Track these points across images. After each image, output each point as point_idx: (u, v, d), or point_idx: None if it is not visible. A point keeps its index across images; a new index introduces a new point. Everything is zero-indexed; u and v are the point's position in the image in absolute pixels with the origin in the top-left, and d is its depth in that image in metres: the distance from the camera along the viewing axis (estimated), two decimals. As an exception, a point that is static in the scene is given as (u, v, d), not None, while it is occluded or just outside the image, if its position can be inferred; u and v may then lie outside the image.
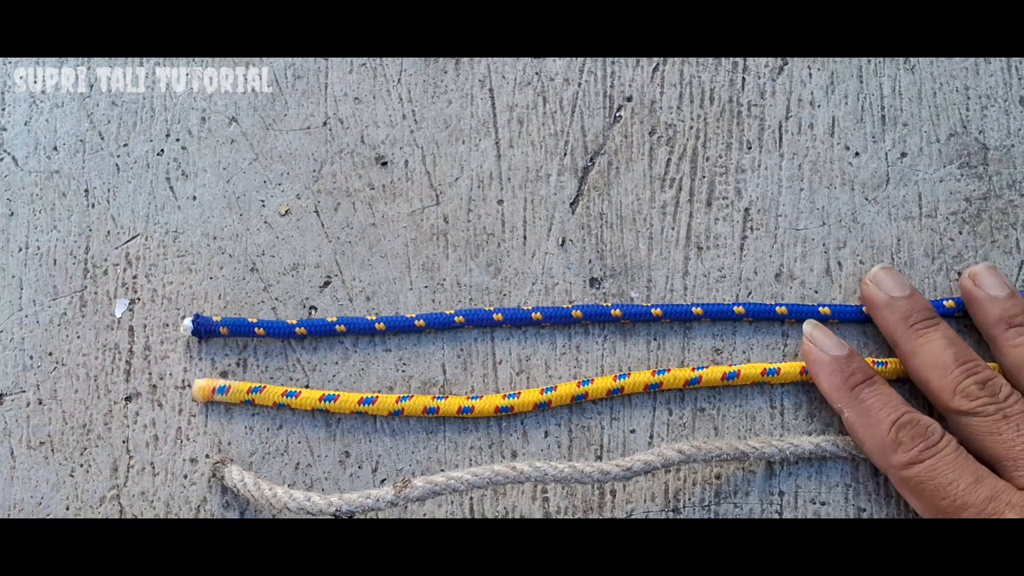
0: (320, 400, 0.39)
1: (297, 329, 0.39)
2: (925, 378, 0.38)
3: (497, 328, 0.40)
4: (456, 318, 0.40)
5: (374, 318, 0.40)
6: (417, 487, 0.36)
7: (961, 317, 0.40)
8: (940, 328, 0.38)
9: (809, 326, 0.39)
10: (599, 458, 0.39)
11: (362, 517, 0.38)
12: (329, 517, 0.36)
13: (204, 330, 0.39)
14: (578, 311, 0.40)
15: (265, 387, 0.39)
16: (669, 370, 0.39)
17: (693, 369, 0.39)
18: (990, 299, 0.39)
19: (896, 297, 0.39)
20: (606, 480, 0.36)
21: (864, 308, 0.40)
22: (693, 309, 0.40)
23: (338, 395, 0.39)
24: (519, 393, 0.39)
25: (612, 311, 0.40)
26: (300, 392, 0.39)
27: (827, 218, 0.41)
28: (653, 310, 0.40)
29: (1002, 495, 0.34)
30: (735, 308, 0.40)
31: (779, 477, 0.39)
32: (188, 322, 0.39)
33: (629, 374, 0.39)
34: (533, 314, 0.40)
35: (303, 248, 0.41)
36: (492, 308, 0.40)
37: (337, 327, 0.40)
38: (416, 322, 0.40)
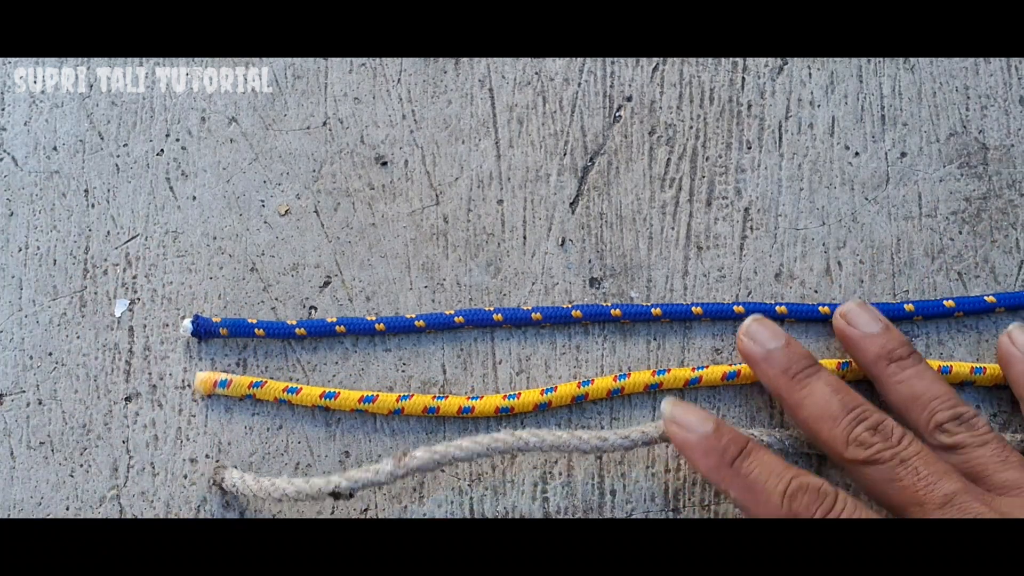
0: (320, 397, 0.39)
1: (297, 330, 0.39)
2: (815, 430, 0.36)
3: (497, 328, 0.40)
4: (456, 318, 0.40)
5: (374, 318, 0.40)
6: (417, 456, 0.35)
7: (963, 317, 0.40)
8: (822, 376, 0.36)
9: (668, 405, 0.36)
10: (599, 458, 0.39)
11: (366, 518, 0.38)
12: (328, 498, 0.36)
13: (203, 331, 0.39)
14: (578, 311, 0.40)
15: (267, 382, 0.39)
16: (669, 370, 0.39)
17: (693, 369, 0.39)
18: (865, 337, 0.37)
19: (772, 349, 0.37)
20: (604, 448, 0.36)
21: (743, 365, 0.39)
22: (693, 308, 0.40)
23: (338, 393, 0.39)
24: (519, 394, 0.39)
25: (612, 311, 0.40)
26: (301, 388, 0.39)
27: (827, 218, 0.41)
28: (653, 310, 0.40)
29: None
30: (735, 308, 0.40)
31: (779, 477, 0.39)
32: (187, 323, 0.39)
33: (629, 374, 0.39)
34: (533, 314, 0.40)
35: (303, 248, 0.41)
36: (492, 308, 0.40)
37: (337, 327, 0.40)
38: (416, 322, 0.40)
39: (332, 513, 0.39)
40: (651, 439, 0.36)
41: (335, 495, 0.36)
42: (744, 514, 0.35)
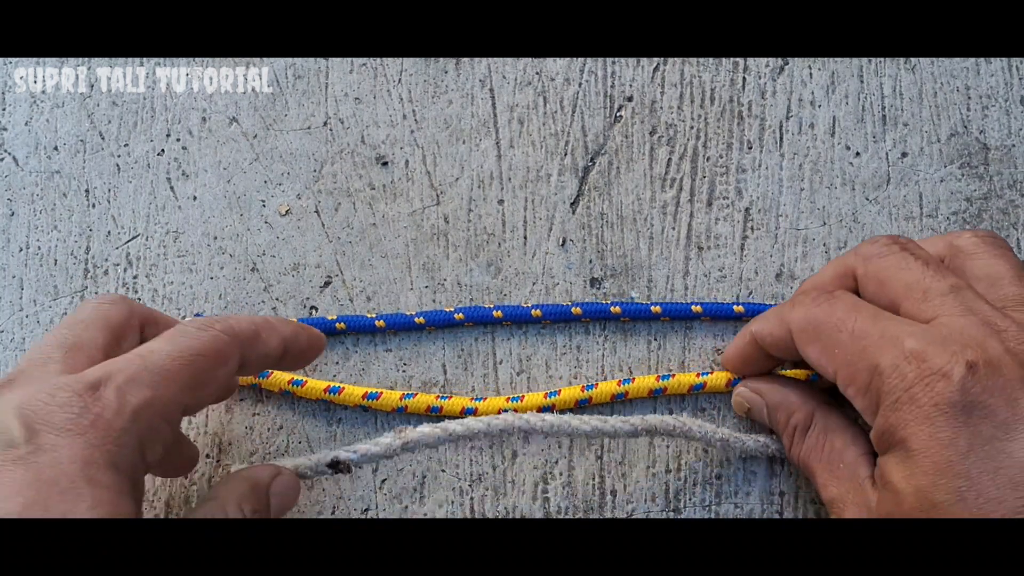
0: (325, 392, 0.39)
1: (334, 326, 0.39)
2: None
3: (498, 327, 0.40)
4: (456, 315, 0.40)
5: (374, 315, 0.40)
6: (418, 430, 0.34)
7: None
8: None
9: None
10: (600, 458, 0.39)
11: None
12: (328, 473, 0.35)
13: None
14: (578, 308, 0.40)
15: (272, 372, 0.39)
16: (673, 375, 0.39)
17: (698, 375, 0.39)
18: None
19: (767, 334, 0.36)
20: (605, 431, 0.35)
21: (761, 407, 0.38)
22: (693, 307, 0.40)
23: (343, 388, 0.39)
24: (523, 396, 0.39)
25: (611, 307, 0.40)
26: (306, 381, 0.39)
27: (828, 218, 0.41)
28: (652, 307, 0.40)
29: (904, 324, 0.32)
30: (735, 307, 0.40)
31: (780, 477, 0.39)
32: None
33: (633, 379, 0.39)
34: (533, 311, 0.40)
35: (303, 248, 0.41)
36: (492, 305, 0.40)
37: (337, 324, 0.40)
38: (416, 319, 0.40)
39: (332, 513, 0.39)
40: (651, 427, 0.36)
41: (335, 465, 0.35)
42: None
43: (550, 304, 0.40)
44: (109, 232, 0.41)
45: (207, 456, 0.39)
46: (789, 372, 0.38)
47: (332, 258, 0.41)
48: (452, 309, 0.40)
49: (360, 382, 0.40)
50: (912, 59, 0.42)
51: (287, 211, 0.41)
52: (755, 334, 0.37)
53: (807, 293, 0.35)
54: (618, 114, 0.42)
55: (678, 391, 0.39)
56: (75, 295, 0.40)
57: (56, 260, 0.41)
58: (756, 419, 0.38)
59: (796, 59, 0.42)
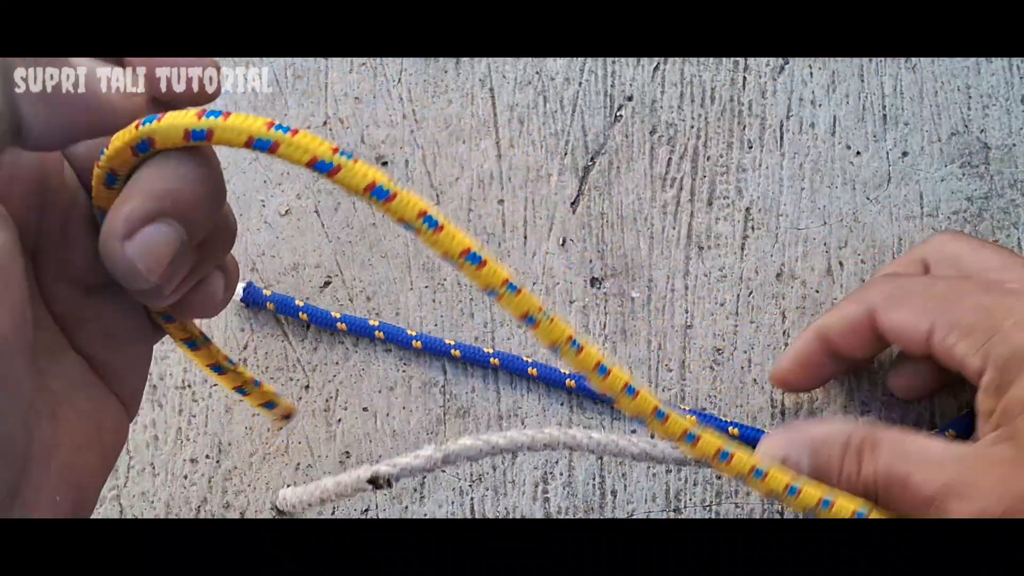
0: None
1: (339, 324, 0.39)
2: None
3: (497, 328, 0.40)
4: (452, 351, 0.39)
5: (376, 323, 0.40)
6: (460, 443, 0.33)
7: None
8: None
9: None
10: (600, 458, 0.39)
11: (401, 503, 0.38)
12: (367, 489, 0.33)
13: (253, 299, 0.39)
14: (571, 380, 0.39)
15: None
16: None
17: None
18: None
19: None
20: (654, 456, 0.33)
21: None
22: (729, 428, 0.37)
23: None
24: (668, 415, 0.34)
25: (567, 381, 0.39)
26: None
27: (828, 217, 0.41)
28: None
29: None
30: (729, 429, 0.38)
31: (780, 477, 0.39)
32: (240, 288, 0.39)
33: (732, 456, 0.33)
34: (529, 368, 0.39)
35: (303, 248, 0.41)
36: (491, 351, 0.39)
37: (339, 324, 0.40)
38: (413, 342, 0.39)
39: (332, 513, 0.39)
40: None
41: (375, 481, 0.33)
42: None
43: (544, 364, 0.39)
44: (109, 232, 0.41)
45: (207, 456, 0.39)
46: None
47: (332, 258, 0.41)
48: (453, 343, 0.39)
49: (360, 382, 0.40)
50: (913, 58, 0.42)
51: (287, 211, 0.41)
52: (821, 328, 0.34)
53: (878, 277, 0.34)
54: (618, 113, 0.42)
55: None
56: (75, 295, 0.40)
57: (56, 260, 0.41)
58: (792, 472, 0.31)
59: (796, 58, 0.42)
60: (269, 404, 0.31)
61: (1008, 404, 0.28)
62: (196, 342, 0.28)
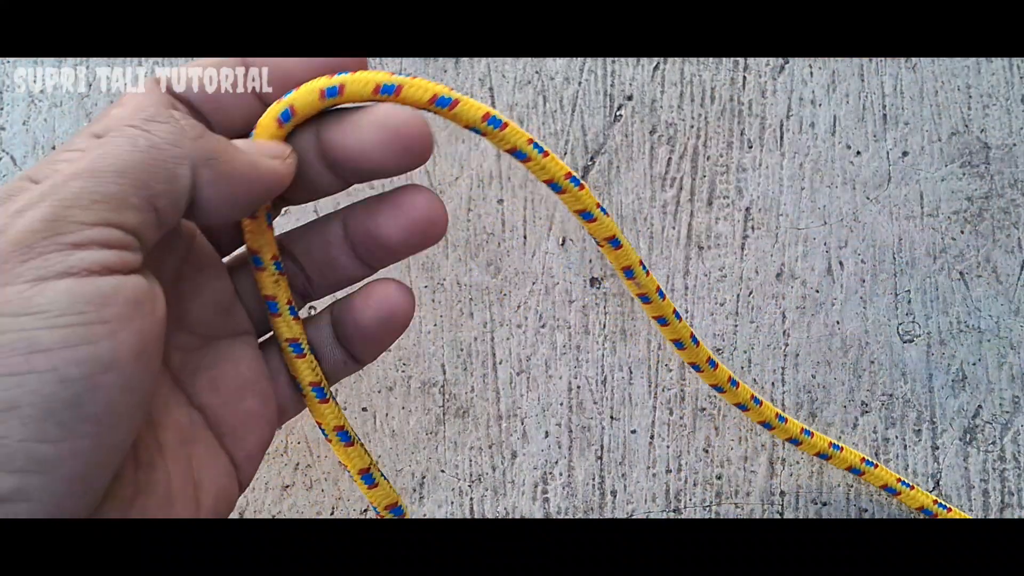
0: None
1: None
2: None
3: (497, 327, 0.40)
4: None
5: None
6: None
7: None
8: None
9: None
10: (599, 459, 0.39)
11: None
12: None
13: None
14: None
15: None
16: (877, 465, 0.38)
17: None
18: None
19: None
20: None
21: None
22: None
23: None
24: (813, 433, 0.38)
25: None
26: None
27: (828, 217, 0.41)
28: None
29: None
30: None
31: (780, 477, 0.39)
32: None
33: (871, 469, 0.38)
34: None
35: (303, 248, 0.41)
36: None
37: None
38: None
39: (332, 513, 0.39)
40: None
41: None
42: None
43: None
44: (108, 232, 0.41)
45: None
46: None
47: (331, 258, 0.41)
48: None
49: (360, 382, 0.40)
50: (913, 58, 0.42)
51: (286, 210, 0.41)
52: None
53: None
54: (618, 113, 0.42)
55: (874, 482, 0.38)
56: (74, 295, 0.40)
57: (55, 260, 0.41)
58: None
59: (796, 58, 0.42)
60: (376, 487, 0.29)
61: None
62: (324, 390, 0.28)
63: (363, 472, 0.28)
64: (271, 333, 0.27)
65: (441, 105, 0.25)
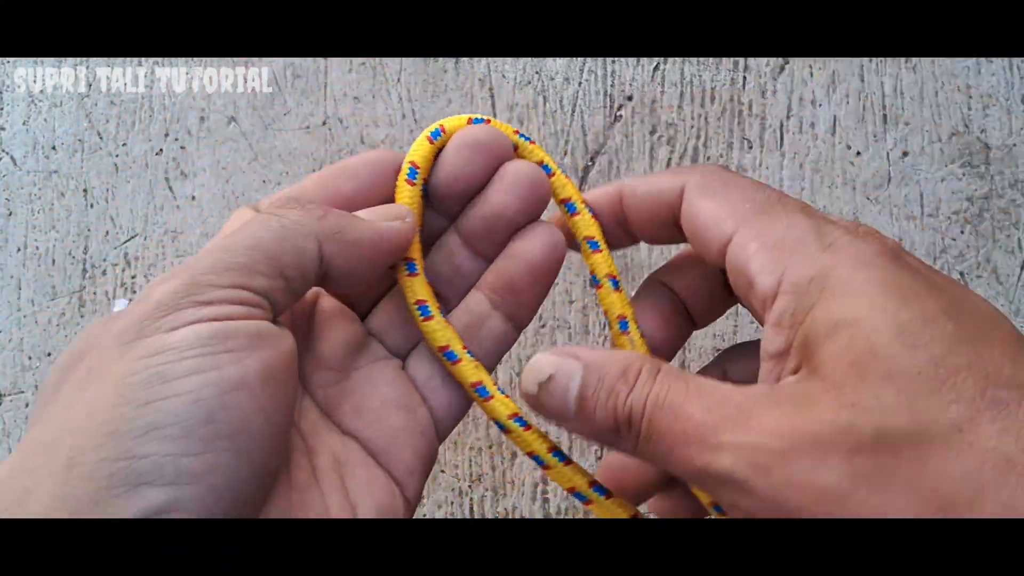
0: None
1: None
2: None
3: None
4: None
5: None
6: None
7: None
8: None
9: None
10: (599, 459, 0.39)
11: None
12: None
13: None
14: None
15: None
16: None
17: None
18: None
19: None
20: None
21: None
22: None
23: None
24: None
25: None
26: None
27: (828, 217, 0.41)
28: None
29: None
30: None
31: (780, 477, 0.39)
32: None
33: None
34: None
35: (303, 248, 0.41)
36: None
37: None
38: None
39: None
40: None
41: None
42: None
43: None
44: (107, 232, 0.41)
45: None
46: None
47: (331, 258, 0.41)
48: None
49: (359, 382, 0.40)
50: (913, 58, 0.42)
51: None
52: (625, 184, 0.29)
53: (715, 165, 0.29)
54: (618, 113, 0.42)
55: None
56: (73, 295, 0.40)
57: (54, 260, 0.41)
58: (553, 398, 0.25)
59: (796, 58, 0.42)
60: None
61: (808, 332, 0.23)
62: (487, 388, 0.28)
63: (552, 449, 0.29)
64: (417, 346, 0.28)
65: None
